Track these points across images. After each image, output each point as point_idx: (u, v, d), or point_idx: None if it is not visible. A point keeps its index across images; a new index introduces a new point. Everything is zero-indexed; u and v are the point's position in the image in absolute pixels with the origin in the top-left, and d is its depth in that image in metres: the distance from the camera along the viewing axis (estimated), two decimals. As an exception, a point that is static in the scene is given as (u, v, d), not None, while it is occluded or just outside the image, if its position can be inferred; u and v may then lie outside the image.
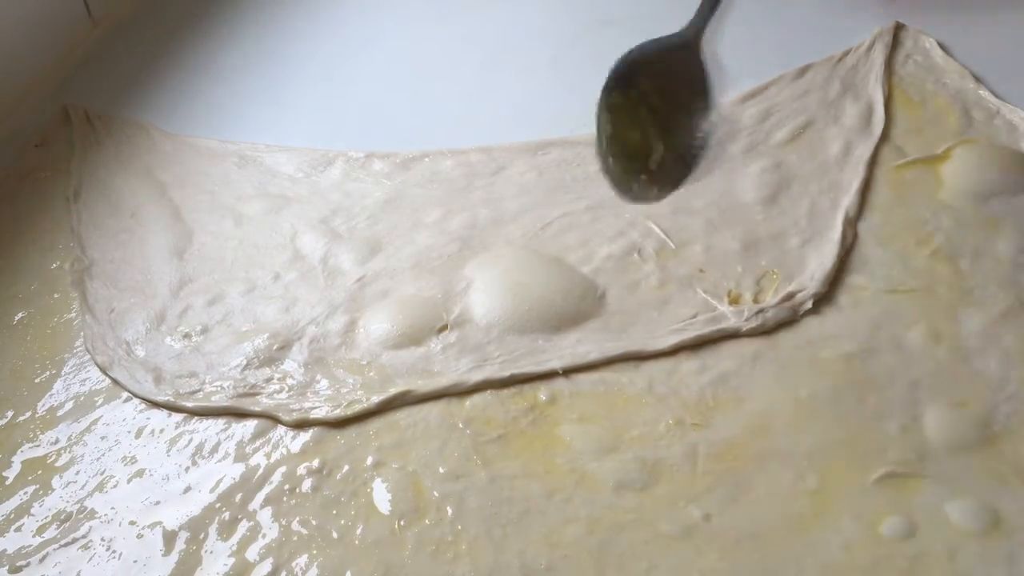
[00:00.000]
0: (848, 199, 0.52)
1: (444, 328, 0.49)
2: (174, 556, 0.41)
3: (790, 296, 0.47)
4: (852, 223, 0.51)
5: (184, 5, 0.78)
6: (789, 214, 0.52)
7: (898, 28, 0.63)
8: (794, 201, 0.53)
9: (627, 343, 0.47)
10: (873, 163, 0.54)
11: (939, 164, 0.54)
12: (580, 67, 0.63)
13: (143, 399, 0.47)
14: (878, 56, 0.61)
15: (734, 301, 0.48)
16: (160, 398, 0.47)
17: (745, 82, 0.61)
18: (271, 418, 0.46)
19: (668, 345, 0.46)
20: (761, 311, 0.47)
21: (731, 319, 0.47)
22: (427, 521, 0.41)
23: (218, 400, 0.47)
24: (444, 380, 0.46)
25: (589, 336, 0.47)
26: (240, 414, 0.46)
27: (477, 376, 0.46)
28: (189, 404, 0.47)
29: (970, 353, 0.44)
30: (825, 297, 0.48)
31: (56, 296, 0.54)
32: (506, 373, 0.46)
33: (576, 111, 0.61)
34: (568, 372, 0.46)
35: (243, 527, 0.42)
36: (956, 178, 0.53)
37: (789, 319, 0.47)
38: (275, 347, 0.49)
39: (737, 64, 0.62)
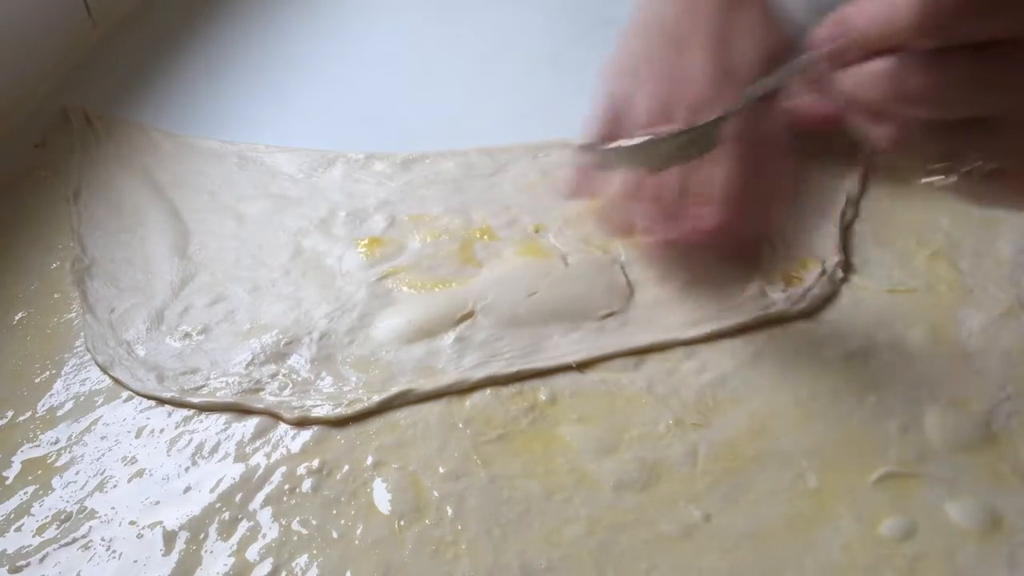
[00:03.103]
0: (848, 181, 0.53)
1: (454, 324, 0.49)
2: (174, 556, 0.41)
3: (823, 271, 0.48)
4: (853, 201, 0.52)
5: (184, 5, 0.78)
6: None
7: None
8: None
9: (658, 334, 0.47)
10: (871, 159, 0.55)
11: (939, 164, 0.54)
12: (580, 67, 0.62)
13: (147, 396, 0.47)
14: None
15: (783, 285, 0.48)
16: (165, 395, 0.47)
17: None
18: (273, 415, 0.46)
19: (704, 333, 0.46)
20: (808, 290, 0.48)
21: (779, 304, 0.47)
22: (427, 521, 0.41)
23: (222, 396, 0.47)
24: (446, 378, 0.46)
25: (605, 331, 0.48)
26: (243, 411, 0.46)
27: (480, 373, 0.46)
28: (194, 400, 0.47)
29: (970, 353, 0.44)
30: (825, 297, 0.48)
31: (56, 296, 0.54)
32: (512, 369, 0.46)
33: (577, 112, 0.61)
34: (581, 367, 0.46)
35: (243, 527, 0.42)
36: (956, 178, 0.53)
37: (832, 292, 0.48)
38: (283, 342, 0.49)
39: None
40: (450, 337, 0.48)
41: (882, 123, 0.34)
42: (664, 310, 0.48)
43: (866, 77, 0.32)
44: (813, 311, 0.47)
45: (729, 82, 0.46)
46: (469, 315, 0.49)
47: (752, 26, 0.47)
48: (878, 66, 0.32)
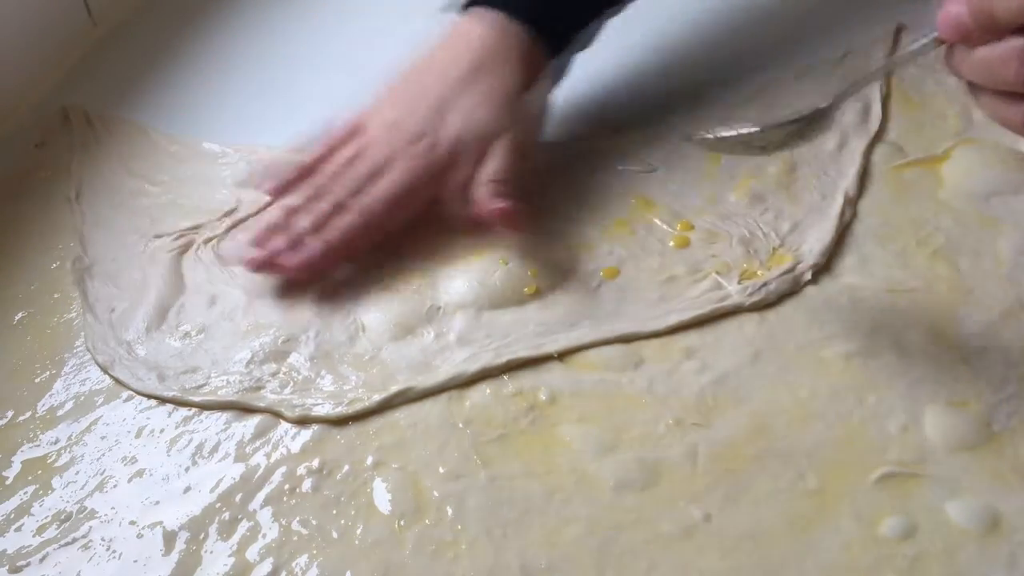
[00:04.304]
0: (847, 181, 0.53)
1: (436, 311, 0.49)
2: (174, 556, 0.41)
3: (791, 269, 0.48)
4: (852, 202, 0.52)
5: (184, 5, 0.78)
6: (786, 199, 0.53)
7: (899, 29, 0.63)
8: (794, 186, 0.54)
9: (624, 325, 0.47)
10: (869, 155, 0.55)
11: (939, 164, 0.54)
12: (580, 67, 0.62)
13: (148, 396, 0.48)
14: (878, 57, 0.61)
15: (738, 278, 0.49)
16: (166, 394, 0.47)
17: (745, 82, 0.61)
18: (274, 413, 0.46)
19: (666, 325, 0.47)
20: (764, 285, 0.48)
21: (734, 296, 0.47)
22: (427, 521, 0.41)
23: (224, 395, 0.47)
24: (442, 374, 0.46)
25: (589, 320, 0.48)
26: (245, 409, 0.46)
27: (474, 366, 0.46)
28: (196, 399, 0.47)
29: (970, 353, 0.44)
30: (826, 296, 0.48)
31: (56, 296, 0.54)
32: (501, 359, 0.46)
33: (577, 112, 0.61)
34: (563, 356, 0.46)
35: (243, 527, 0.42)
36: (956, 178, 0.53)
37: (791, 291, 0.48)
38: (281, 340, 0.49)
39: (737, 64, 0.62)
40: (431, 333, 0.48)
41: (1011, 104, 0.33)
42: (628, 304, 0.49)
43: (995, 59, 0.32)
44: (771, 305, 0.48)
45: (425, 144, 0.52)
46: (435, 308, 0.49)
47: (479, 102, 0.53)
48: (1008, 46, 0.31)
